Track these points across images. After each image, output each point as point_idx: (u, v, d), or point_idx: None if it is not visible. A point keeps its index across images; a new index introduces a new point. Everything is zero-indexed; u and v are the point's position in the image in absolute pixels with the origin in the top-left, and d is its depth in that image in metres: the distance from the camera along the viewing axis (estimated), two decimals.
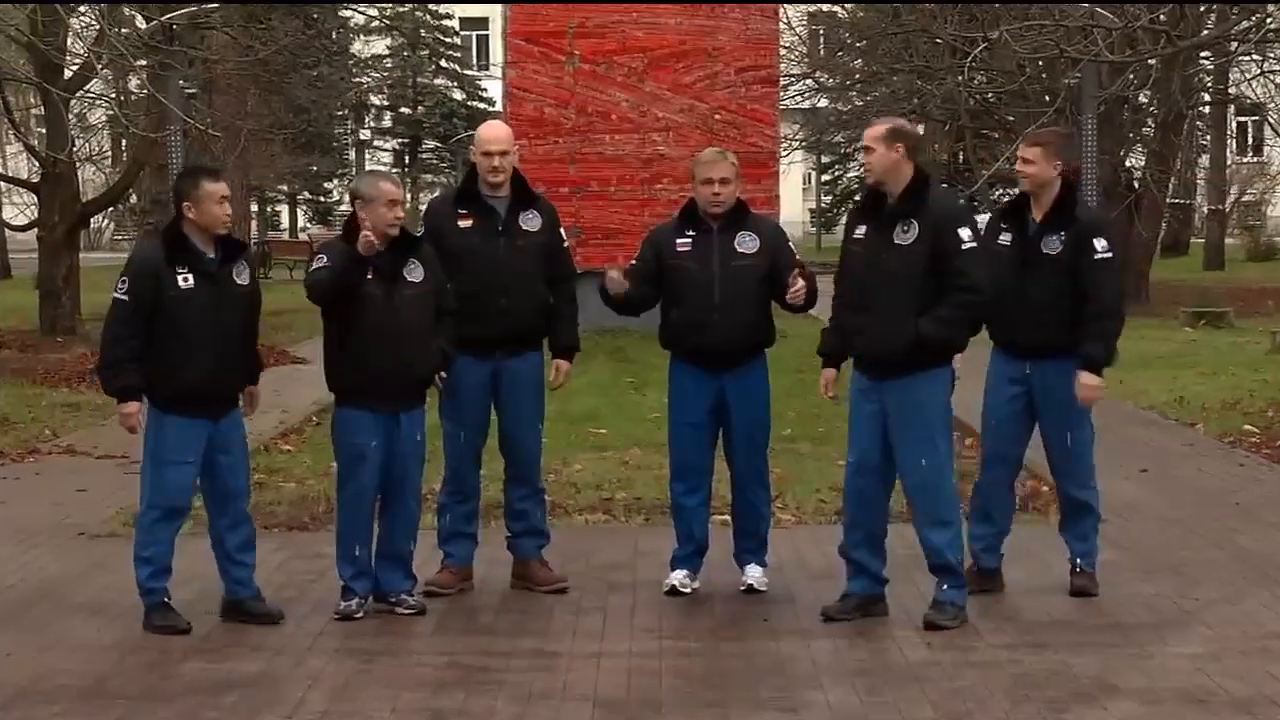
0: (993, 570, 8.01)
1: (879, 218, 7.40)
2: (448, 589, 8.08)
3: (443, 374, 7.82)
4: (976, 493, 8.03)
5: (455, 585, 8.13)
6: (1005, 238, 7.80)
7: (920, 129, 36.28)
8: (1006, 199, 7.73)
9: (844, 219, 52.84)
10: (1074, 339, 7.65)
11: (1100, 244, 7.66)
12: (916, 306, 7.23)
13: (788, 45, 31.52)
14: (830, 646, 7.17)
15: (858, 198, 7.77)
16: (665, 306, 8.01)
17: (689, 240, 7.95)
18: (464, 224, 8.01)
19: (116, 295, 7.50)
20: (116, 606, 7.95)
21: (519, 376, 8.09)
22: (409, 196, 57.23)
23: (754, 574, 8.12)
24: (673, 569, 8.12)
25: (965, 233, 7.27)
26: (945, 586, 7.44)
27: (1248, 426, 13.52)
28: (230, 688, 6.68)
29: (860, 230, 7.49)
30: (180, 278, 7.43)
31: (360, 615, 7.67)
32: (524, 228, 8.03)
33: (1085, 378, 7.66)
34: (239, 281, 7.57)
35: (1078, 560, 7.98)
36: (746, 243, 7.93)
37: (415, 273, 7.67)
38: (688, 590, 8.04)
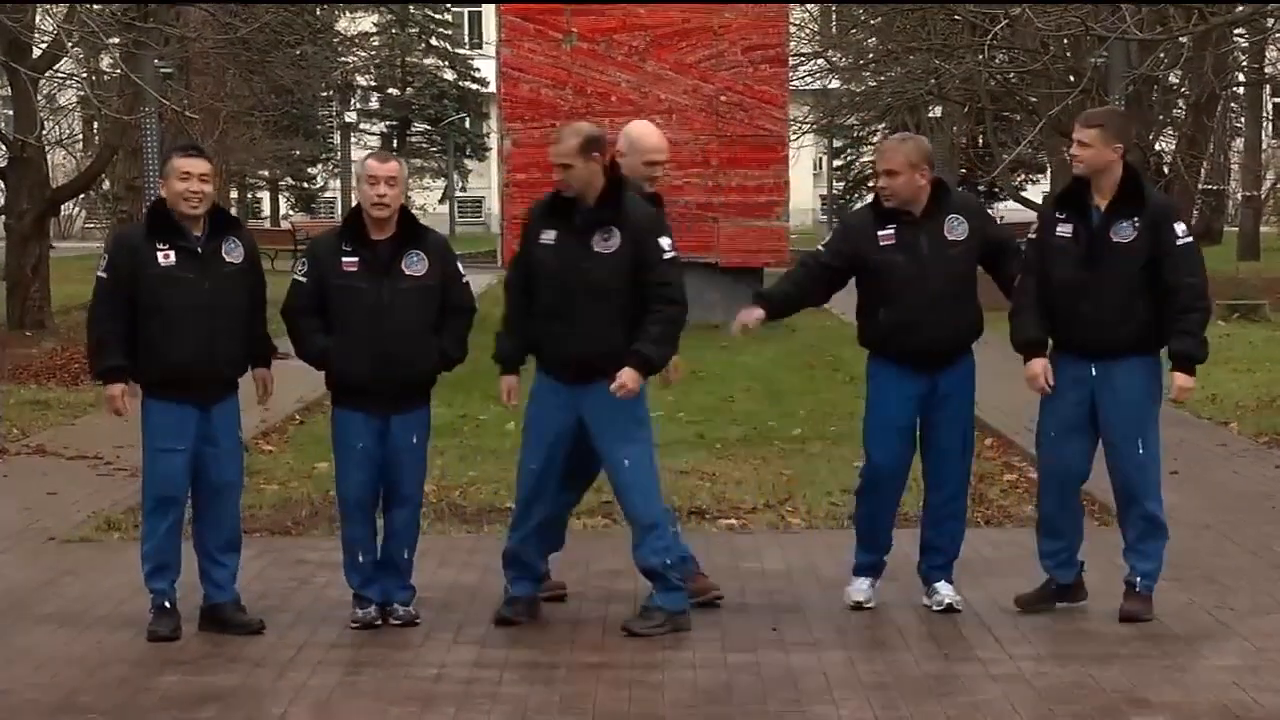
0: (1069, 585, 7.81)
1: (572, 225, 7.51)
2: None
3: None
4: (1039, 507, 7.89)
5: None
6: (1065, 229, 7.56)
7: (932, 118, 36.27)
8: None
9: (854, 206, 52.44)
10: (1143, 335, 7.49)
11: (1180, 228, 7.49)
12: (620, 316, 7.44)
13: (797, 22, 31.54)
14: (843, 658, 7.16)
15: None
16: (870, 304, 7.81)
17: (892, 232, 7.74)
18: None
19: (98, 273, 7.63)
20: (88, 616, 7.94)
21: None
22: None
23: (947, 590, 7.87)
24: (856, 575, 7.95)
25: (665, 242, 7.45)
26: (655, 592, 7.59)
27: None
28: (207, 702, 6.67)
29: (548, 235, 7.57)
30: (160, 254, 7.49)
31: (379, 623, 7.66)
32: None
33: (1181, 379, 7.46)
34: (229, 259, 7.58)
35: (1138, 580, 7.66)
36: (957, 229, 7.74)
37: (416, 265, 7.63)
38: (871, 605, 7.88)
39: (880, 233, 7.74)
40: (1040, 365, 7.60)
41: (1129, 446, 7.58)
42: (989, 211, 8.17)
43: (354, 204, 7.81)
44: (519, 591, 7.74)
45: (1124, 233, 7.48)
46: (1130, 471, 7.62)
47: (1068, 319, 7.58)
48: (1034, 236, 7.72)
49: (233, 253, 7.60)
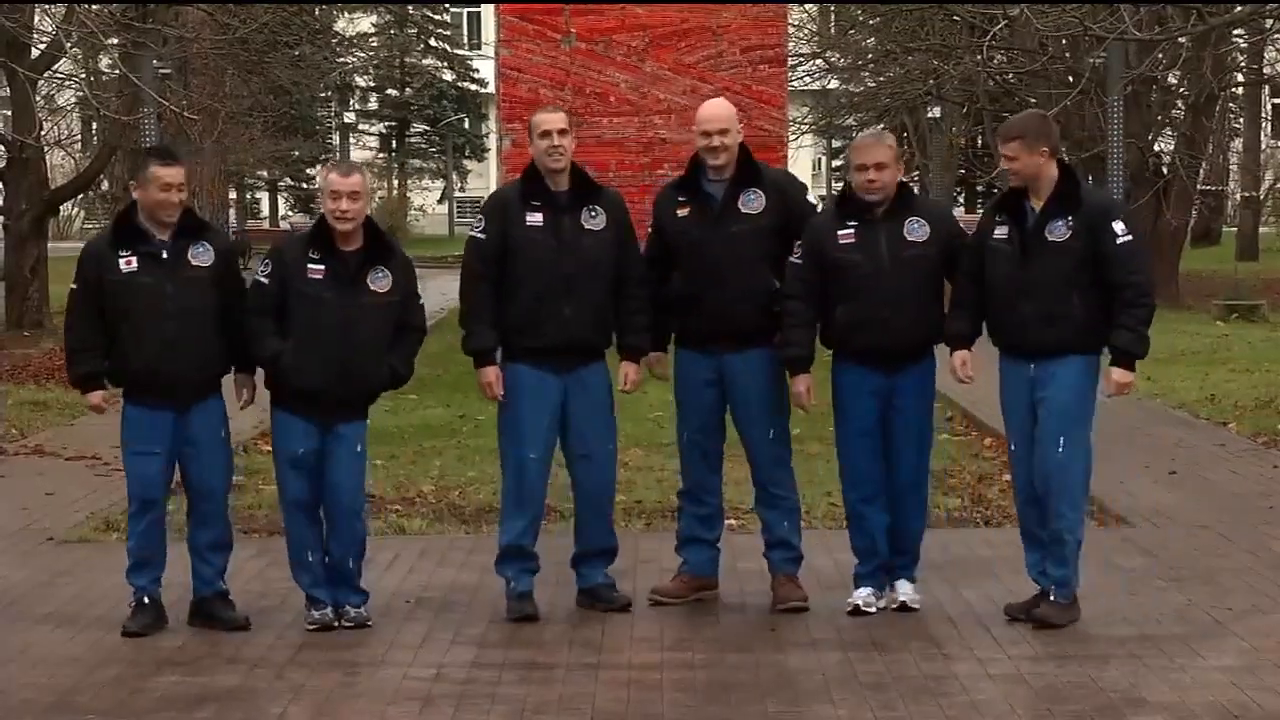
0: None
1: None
2: (676, 599, 8.04)
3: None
4: (1020, 517, 7.85)
5: (688, 595, 8.08)
6: (1001, 231, 7.60)
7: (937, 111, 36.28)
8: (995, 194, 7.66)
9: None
10: (1080, 334, 7.49)
11: (1119, 227, 7.48)
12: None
13: (796, 23, 31.52)
14: (841, 658, 7.16)
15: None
16: (830, 302, 7.80)
17: (851, 231, 7.78)
18: (682, 213, 7.96)
19: (71, 284, 7.72)
20: (85, 616, 7.94)
21: (747, 374, 8.05)
22: (395, 183, 57.23)
23: (905, 590, 7.89)
24: (856, 587, 7.92)
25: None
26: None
27: None
28: (205, 702, 6.67)
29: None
30: (123, 260, 7.54)
31: (337, 624, 7.66)
32: (744, 211, 7.90)
33: (1118, 373, 7.48)
34: (196, 263, 7.59)
35: (1052, 587, 7.60)
36: (916, 230, 7.74)
37: (381, 282, 7.66)
38: (873, 610, 7.82)
39: (840, 231, 7.77)
40: (959, 357, 7.70)
41: (1048, 444, 7.54)
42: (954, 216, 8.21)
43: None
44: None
45: (1058, 231, 7.50)
46: (1045, 470, 7.56)
47: (1007, 319, 7.62)
48: (970, 241, 7.76)
49: (200, 256, 7.61)
